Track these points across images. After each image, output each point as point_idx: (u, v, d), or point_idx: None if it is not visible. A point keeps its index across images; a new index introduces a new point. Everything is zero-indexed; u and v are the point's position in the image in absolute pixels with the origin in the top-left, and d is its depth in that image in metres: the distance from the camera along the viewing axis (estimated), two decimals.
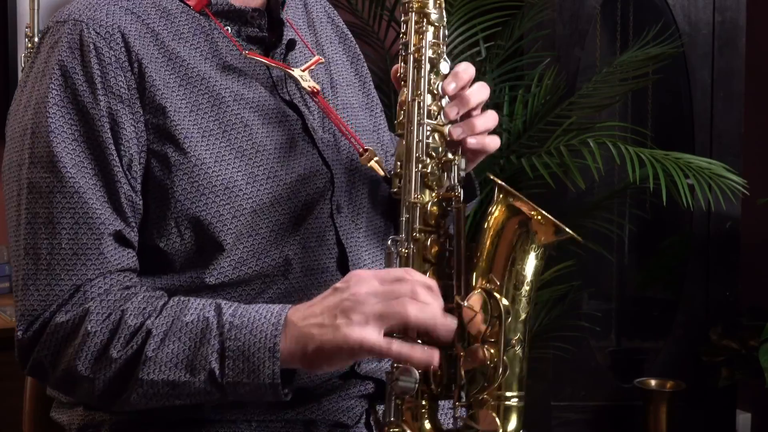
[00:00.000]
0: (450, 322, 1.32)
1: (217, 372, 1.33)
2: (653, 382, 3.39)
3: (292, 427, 1.46)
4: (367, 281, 1.32)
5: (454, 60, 3.18)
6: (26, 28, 2.88)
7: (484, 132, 1.48)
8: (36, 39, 2.85)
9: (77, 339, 1.37)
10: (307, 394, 1.47)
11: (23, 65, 2.87)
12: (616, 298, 3.78)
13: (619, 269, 3.76)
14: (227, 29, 1.51)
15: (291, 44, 1.56)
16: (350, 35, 1.75)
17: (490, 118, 1.49)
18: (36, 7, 2.87)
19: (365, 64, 1.74)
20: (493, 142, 1.50)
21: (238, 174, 1.44)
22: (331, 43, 1.69)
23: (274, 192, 1.46)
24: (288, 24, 1.59)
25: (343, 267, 1.51)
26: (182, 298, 1.40)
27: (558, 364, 3.43)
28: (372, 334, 1.29)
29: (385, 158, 1.65)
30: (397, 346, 1.30)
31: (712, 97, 3.50)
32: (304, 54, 1.60)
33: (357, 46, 1.75)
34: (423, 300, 1.30)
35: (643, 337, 3.81)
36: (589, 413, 3.54)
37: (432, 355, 1.32)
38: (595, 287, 3.62)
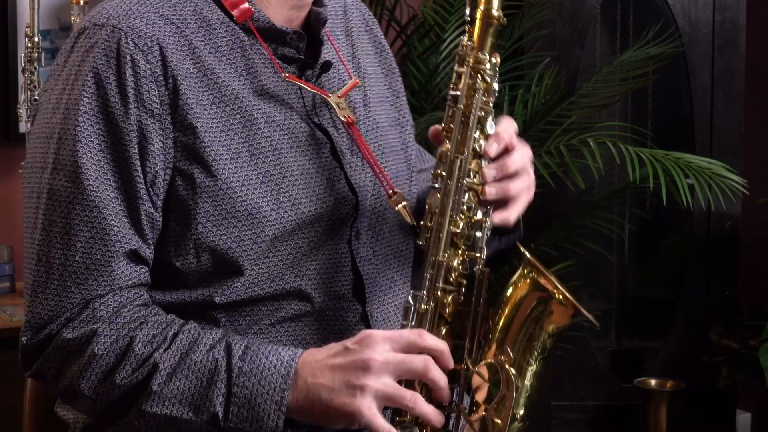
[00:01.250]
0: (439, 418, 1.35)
1: (221, 416, 1.33)
2: (653, 382, 3.39)
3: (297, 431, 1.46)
4: (380, 345, 1.32)
5: (455, 59, 3.18)
6: (26, 27, 2.88)
7: (516, 193, 1.48)
8: (36, 39, 2.85)
9: (83, 358, 1.37)
10: None
11: (23, 65, 2.87)
12: (616, 297, 3.78)
13: (619, 269, 3.76)
14: (269, 48, 1.48)
15: (326, 66, 1.53)
16: (387, 47, 1.71)
17: (526, 183, 1.49)
18: (36, 7, 2.87)
19: (400, 78, 1.71)
20: (526, 198, 1.50)
21: (263, 200, 1.42)
22: (367, 54, 1.65)
23: (297, 219, 1.44)
24: (328, 40, 1.55)
25: (359, 293, 1.50)
26: (193, 330, 1.38)
27: (558, 364, 3.42)
28: (378, 417, 1.31)
29: (409, 177, 1.63)
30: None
31: (712, 97, 3.50)
32: (339, 74, 1.56)
33: (393, 58, 1.71)
34: (432, 376, 1.32)
35: (643, 336, 3.81)
36: (589, 413, 3.54)
37: None
38: (595, 287, 3.61)
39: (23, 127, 2.92)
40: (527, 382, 1.36)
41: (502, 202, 1.48)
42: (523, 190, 1.48)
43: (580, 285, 3.34)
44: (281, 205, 1.43)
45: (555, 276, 1.40)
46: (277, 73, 1.47)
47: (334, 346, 1.35)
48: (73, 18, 2.92)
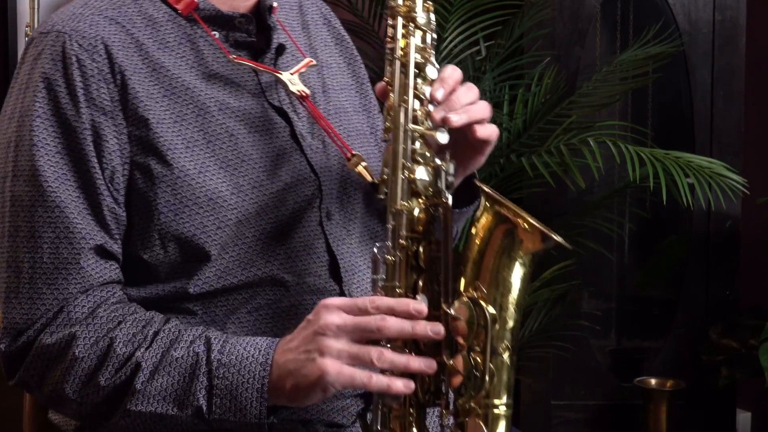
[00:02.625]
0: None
1: (205, 408, 1.35)
2: (653, 381, 3.39)
3: (290, 427, 1.46)
4: (334, 311, 1.33)
5: (455, 59, 3.18)
6: (26, 26, 2.88)
7: (466, 107, 1.43)
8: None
9: (64, 363, 1.38)
10: None
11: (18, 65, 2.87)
12: (616, 297, 3.78)
13: (619, 268, 3.75)
14: (215, 34, 1.50)
15: (280, 49, 1.55)
16: (347, 37, 1.73)
17: (484, 107, 1.45)
18: (36, 6, 2.87)
19: (363, 66, 1.72)
20: (490, 131, 1.47)
21: (223, 185, 1.43)
22: (326, 45, 1.67)
23: (260, 202, 1.45)
24: (280, 27, 1.57)
25: (336, 274, 1.51)
26: (173, 328, 1.39)
27: (558, 364, 3.42)
28: (346, 369, 1.31)
29: (380, 160, 1.63)
30: (376, 379, 1.31)
31: (712, 96, 3.50)
32: (296, 57, 1.58)
33: (354, 47, 1.73)
34: (390, 333, 1.31)
35: (643, 336, 3.80)
36: (589, 412, 3.54)
37: (410, 386, 1.33)
38: (594, 286, 3.61)
39: None
40: (508, 314, 1.35)
41: (463, 144, 1.46)
42: (484, 115, 1.45)
43: (579, 284, 3.34)
44: (241, 188, 1.44)
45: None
46: (227, 59, 1.49)
47: (301, 324, 1.36)
48: None
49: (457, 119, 1.40)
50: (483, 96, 2.48)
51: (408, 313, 1.33)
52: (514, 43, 3.25)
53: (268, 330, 1.46)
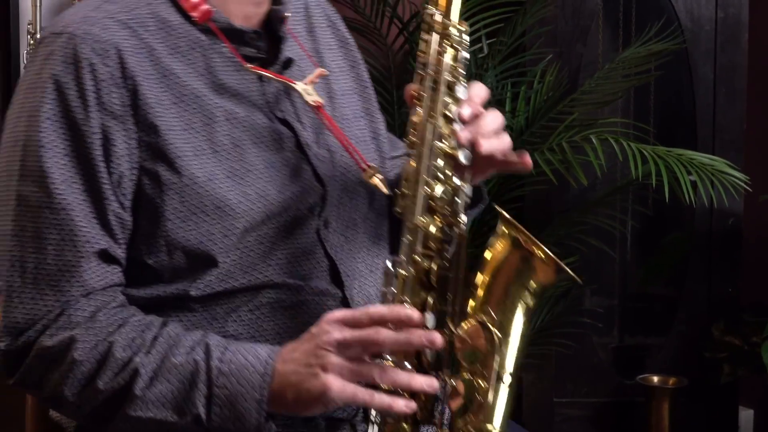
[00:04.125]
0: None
1: (203, 416, 1.35)
2: (655, 379, 3.39)
3: (291, 422, 1.46)
4: (336, 326, 1.33)
5: None
6: (28, 25, 2.89)
7: (492, 134, 1.45)
8: (38, 36, 2.85)
9: (64, 365, 1.38)
10: None
11: (25, 62, 2.87)
12: (618, 294, 3.78)
13: (621, 265, 3.75)
14: (224, 47, 1.49)
15: (287, 63, 1.55)
16: (351, 39, 1.73)
17: (498, 120, 1.47)
18: (38, 5, 2.87)
19: (365, 69, 1.72)
20: (502, 143, 1.48)
21: (231, 193, 1.43)
22: (329, 49, 1.67)
23: (266, 210, 1.45)
24: (290, 37, 1.56)
25: (336, 279, 1.51)
26: (172, 332, 1.39)
27: (560, 361, 3.42)
28: (348, 386, 1.32)
29: (382, 165, 1.64)
30: (378, 398, 1.32)
31: (714, 94, 3.50)
32: (303, 68, 1.57)
33: (357, 49, 1.73)
34: (390, 343, 1.32)
35: (645, 333, 3.80)
36: (591, 410, 3.54)
37: (411, 406, 1.34)
38: (597, 283, 3.61)
39: None
40: (512, 341, 1.35)
41: (481, 164, 1.47)
42: (499, 145, 1.47)
43: (582, 281, 3.34)
44: (248, 197, 1.44)
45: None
46: (239, 72, 1.49)
47: (303, 335, 1.36)
48: None
49: (487, 145, 1.43)
50: None
51: (399, 320, 1.33)
52: (516, 40, 3.25)
53: (269, 328, 1.46)
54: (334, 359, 1.32)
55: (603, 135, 2.98)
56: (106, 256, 1.42)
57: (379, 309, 1.35)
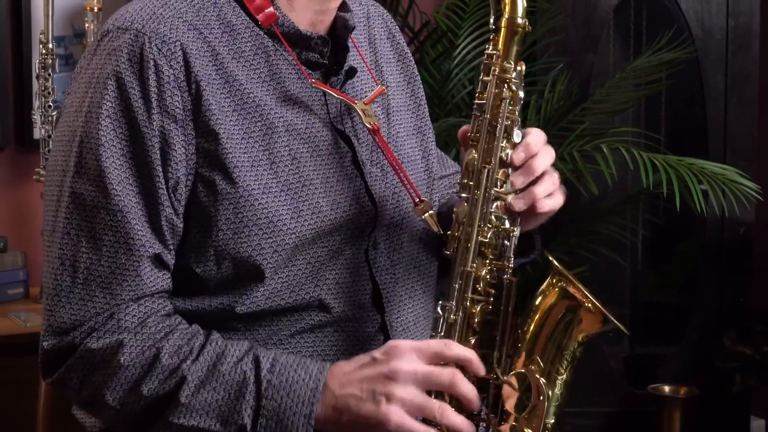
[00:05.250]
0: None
1: (249, 428, 1.34)
2: (667, 388, 3.38)
3: None
4: (406, 355, 1.33)
5: (468, 65, 3.18)
6: (40, 34, 2.89)
7: (544, 198, 1.47)
8: (50, 45, 2.86)
9: (108, 369, 1.37)
10: None
11: (37, 71, 2.88)
12: (629, 303, 3.78)
13: (632, 275, 3.75)
14: (294, 54, 1.47)
15: (351, 72, 1.52)
16: (409, 53, 1.70)
17: (551, 182, 1.47)
18: (50, 14, 2.88)
19: (421, 85, 1.70)
20: (553, 204, 1.49)
21: (284, 208, 1.42)
22: (388, 62, 1.65)
23: (317, 228, 1.44)
24: (353, 46, 1.55)
25: (378, 302, 1.50)
26: (219, 341, 1.38)
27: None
28: (408, 419, 1.32)
29: (430, 185, 1.63)
30: None
31: (725, 103, 3.50)
32: (362, 81, 1.55)
33: (414, 64, 1.70)
34: (460, 390, 1.33)
35: (656, 342, 3.80)
36: (602, 419, 3.53)
37: None
38: (608, 293, 3.61)
39: (37, 133, 2.93)
40: (557, 391, 1.36)
41: (531, 210, 1.47)
42: (549, 187, 1.47)
43: (593, 291, 3.33)
44: (301, 213, 1.43)
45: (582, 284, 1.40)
46: (301, 79, 1.47)
47: (361, 358, 1.35)
48: (87, 25, 2.93)
49: (521, 206, 1.44)
50: None
51: (478, 370, 1.36)
52: (526, 49, 3.25)
53: (307, 354, 1.45)
54: (399, 390, 1.31)
55: (614, 144, 2.98)
56: (158, 261, 1.40)
57: (461, 349, 1.36)
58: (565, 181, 2.92)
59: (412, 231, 1.56)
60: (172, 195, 1.39)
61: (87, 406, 1.44)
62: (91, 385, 1.38)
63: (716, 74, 3.50)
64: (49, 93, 2.88)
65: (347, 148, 1.49)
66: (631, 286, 3.78)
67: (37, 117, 2.89)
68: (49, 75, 2.87)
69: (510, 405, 1.34)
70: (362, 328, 1.48)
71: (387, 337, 1.49)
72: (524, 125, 1.49)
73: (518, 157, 1.43)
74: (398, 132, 1.60)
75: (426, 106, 1.69)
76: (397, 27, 1.72)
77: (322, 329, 1.46)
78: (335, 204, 1.46)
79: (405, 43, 1.71)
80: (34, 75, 2.94)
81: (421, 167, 1.62)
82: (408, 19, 3.29)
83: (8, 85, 3.05)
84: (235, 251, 1.40)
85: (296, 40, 1.47)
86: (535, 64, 3.32)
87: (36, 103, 2.91)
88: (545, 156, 1.47)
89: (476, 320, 1.40)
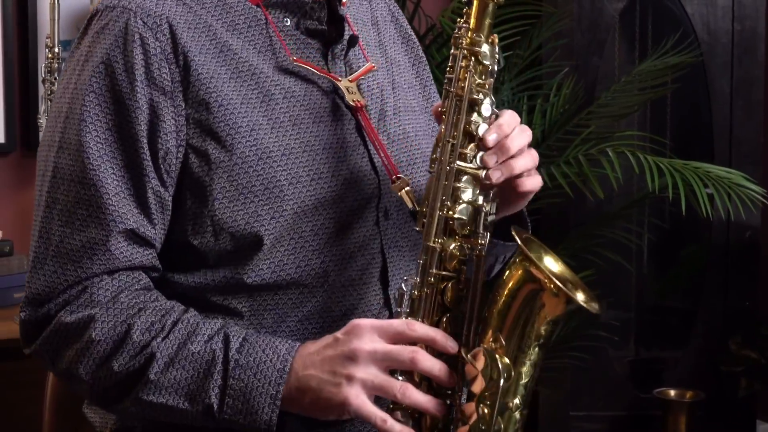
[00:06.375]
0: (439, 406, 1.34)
1: (216, 407, 1.34)
2: (672, 392, 3.38)
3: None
4: (367, 335, 1.32)
5: None
6: (46, 38, 2.90)
7: (524, 172, 1.43)
8: (56, 49, 2.87)
9: (80, 343, 1.38)
10: None
11: (43, 75, 2.89)
12: (635, 307, 3.77)
13: (637, 278, 3.75)
14: (286, 22, 1.47)
15: (353, 41, 1.52)
16: (413, 36, 1.71)
17: (530, 158, 1.44)
18: (56, 18, 2.89)
19: (427, 67, 1.70)
20: (534, 183, 1.46)
21: (282, 174, 1.42)
22: (393, 43, 1.65)
23: (317, 194, 1.43)
24: (347, 22, 1.54)
25: (384, 278, 1.49)
26: (192, 319, 1.38)
27: (576, 374, 3.42)
28: (367, 405, 1.31)
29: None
30: (390, 425, 1.31)
31: (731, 106, 3.49)
32: (357, 56, 1.55)
33: (420, 47, 1.71)
34: (422, 367, 1.32)
35: (662, 346, 3.79)
36: (607, 423, 3.53)
37: None
38: (613, 296, 3.61)
39: None
40: (523, 370, 1.35)
41: (508, 189, 1.45)
42: (529, 162, 1.44)
43: (598, 294, 3.33)
44: (299, 179, 1.43)
45: (557, 256, 1.37)
46: (300, 49, 1.47)
47: (326, 338, 1.35)
48: None
49: (497, 176, 1.39)
50: (501, 106, 2.48)
51: (444, 349, 1.34)
52: (532, 53, 3.26)
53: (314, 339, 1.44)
54: (359, 371, 1.31)
55: (619, 148, 2.98)
56: (134, 236, 1.40)
57: (425, 328, 1.34)
58: (570, 185, 2.95)
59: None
60: (161, 167, 1.40)
61: (65, 380, 1.45)
62: (66, 359, 1.39)
63: (722, 78, 3.50)
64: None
65: (350, 116, 1.49)
66: (637, 289, 3.78)
67: (43, 121, 2.90)
68: (55, 79, 2.87)
69: (475, 384, 1.32)
70: (367, 306, 1.47)
71: (391, 315, 1.48)
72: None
73: (489, 137, 1.39)
74: (410, 105, 1.60)
75: (434, 87, 1.69)
76: (399, 9, 1.72)
77: (330, 313, 1.45)
78: (336, 171, 1.45)
79: (408, 26, 1.71)
80: (40, 79, 2.94)
81: (430, 144, 1.60)
82: (413, 22, 3.30)
83: (14, 89, 3.05)
84: (232, 219, 1.40)
85: (291, 7, 1.48)
86: (540, 67, 3.31)
87: (42, 107, 2.91)
88: (520, 136, 1.43)
89: (448, 298, 1.38)
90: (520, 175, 1.43)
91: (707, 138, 3.54)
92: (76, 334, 1.38)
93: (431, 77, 1.70)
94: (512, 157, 1.41)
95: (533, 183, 1.46)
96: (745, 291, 3.52)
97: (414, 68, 1.67)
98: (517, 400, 1.34)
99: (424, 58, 1.71)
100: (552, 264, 1.37)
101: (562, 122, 3.15)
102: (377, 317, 1.47)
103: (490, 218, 1.40)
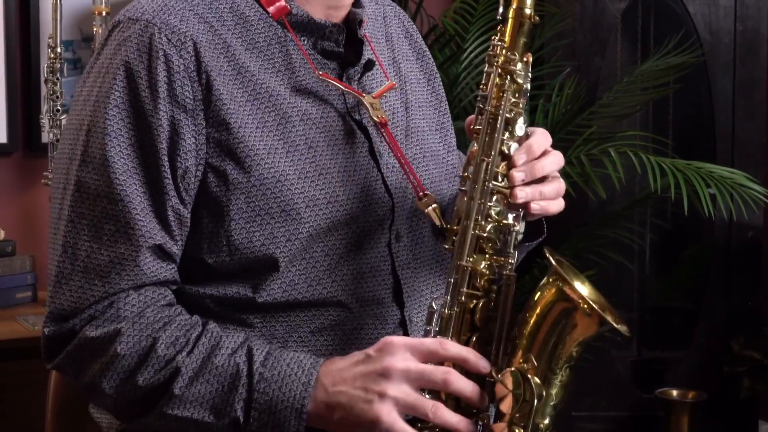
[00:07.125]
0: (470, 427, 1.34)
1: (242, 421, 1.34)
2: (675, 393, 3.38)
3: None
4: (400, 353, 1.32)
5: (475, 69, 3.18)
6: (48, 38, 2.90)
7: (551, 199, 1.45)
8: (58, 49, 2.87)
9: (105, 357, 1.37)
10: None
11: (45, 75, 2.89)
12: (637, 307, 3.77)
13: (640, 279, 3.75)
14: (303, 42, 1.47)
15: (369, 65, 1.53)
16: (427, 51, 1.71)
17: (557, 187, 1.46)
18: (58, 18, 2.89)
19: (440, 82, 1.70)
20: (558, 207, 1.47)
21: (299, 197, 1.41)
22: (407, 60, 1.65)
23: (332, 217, 1.43)
24: (367, 42, 1.54)
25: (398, 298, 1.49)
26: (215, 332, 1.38)
27: (578, 374, 3.40)
28: (399, 422, 1.31)
29: (451, 181, 1.62)
30: None
31: (733, 106, 3.49)
32: (378, 77, 1.55)
33: (433, 62, 1.70)
34: (455, 388, 1.32)
35: (664, 347, 3.79)
36: (609, 424, 3.53)
37: None
38: (616, 297, 3.59)
39: (45, 137, 2.93)
40: (553, 391, 1.35)
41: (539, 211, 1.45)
42: (556, 190, 1.46)
43: (602, 294, 3.33)
44: (317, 202, 1.43)
45: (587, 280, 1.38)
46: (317, 70, 1.47)
47: (355, 354, 1.35)
48: (95, 29, 2.94)
49: (524, 196, 1.41)
50: None
51: (476, 369, 1.34)
52: (534, 53, 3.24)
53: (327, 352, 1.44)
54: (392, 388, 1.31)
55: (622, 148, 2.98)
56: (160, 252, 1.40)
57: (458, 347, 1.34)
58: (572, 185, 2.94)
59: (434, 225, 1.54)
60: (180, 185, 1.40)
61: (88, 393, 1.44)
62: (90, 373, 1.39)
63: (724, 78, 3.50)
64: (57, 97, 2.88)
65: (364, 139, 1.49)
66: (639, 290, 3.78)
67: (45, 121, 2.90)
68: (58, 79, 2.87)
69: (504, 404, 1.32)
70: (382, 325, 1.47)
71: (406, 334, 1.48)
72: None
73: (519, 158, 1.41)
74: (420, 126, 1.60)
75: (446, 103, 1.69)
76: (414, 26, 1.72)
77: (343, 327, 1.45)
78: (351, 194, 1.46)
79: (423, 42, 1.71)
80: (42, 79, 2.94)
81: (447, 161, 1.62)
82: (416, 22, 3.29)
83: (16, 90, 3.05)
84: (248, 240, 1.40)
85: (311, 28, 1.48)
86: (542, 68, 3.31)
87: (44, 108, 2.91)
88: (553, 161, 1.45)
89: (477, 316, 1.38)
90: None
91: (709, 138, 3.54)
92: (102, 349, 1.38)
93: (444, 94, 1.70)
94: (540, 180, 1.43)
95: (557, 207, 1.48)
96: (748, 291, 3.52)
97: (429, 84, 1.67)
98: (546, 421, 1.34)
99: (437, 73, 1.70)
100: (580, 286, 1.37)
101: (564, 122, 3.15)
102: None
103: (519, 237, 1.42)
